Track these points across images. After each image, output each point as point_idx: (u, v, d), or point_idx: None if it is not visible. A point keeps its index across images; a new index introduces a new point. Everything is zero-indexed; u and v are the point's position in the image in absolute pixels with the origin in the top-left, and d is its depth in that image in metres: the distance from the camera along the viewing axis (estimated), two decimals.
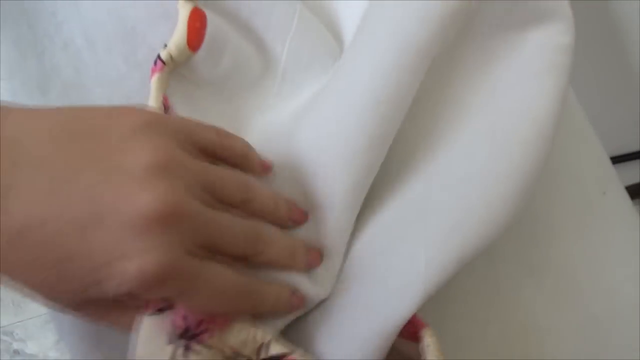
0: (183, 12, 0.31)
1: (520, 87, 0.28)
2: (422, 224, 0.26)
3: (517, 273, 0.31)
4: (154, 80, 0.30)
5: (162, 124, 0.23)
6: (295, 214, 0.27)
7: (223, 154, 0.26)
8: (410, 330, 0.25)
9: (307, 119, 0.30)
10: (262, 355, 0.24)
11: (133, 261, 0.20)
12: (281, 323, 0.26)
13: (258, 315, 0.25)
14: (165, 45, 0.30)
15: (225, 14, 0.32)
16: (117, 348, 0.24)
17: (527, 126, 0.27)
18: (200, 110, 0.32)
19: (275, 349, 0.24)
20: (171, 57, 0.30)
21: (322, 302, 0.27)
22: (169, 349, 0.22)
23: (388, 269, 0.25)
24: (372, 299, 0.25)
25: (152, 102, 0.29)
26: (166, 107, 0.30)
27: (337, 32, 0.35)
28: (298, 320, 0.27)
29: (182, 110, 0.30)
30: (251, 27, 0.33)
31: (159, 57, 0.30)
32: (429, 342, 0.24)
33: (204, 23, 0.31)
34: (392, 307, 0.24)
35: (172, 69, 0.31)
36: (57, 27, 0.32)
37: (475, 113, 0.29)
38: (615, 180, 0.37)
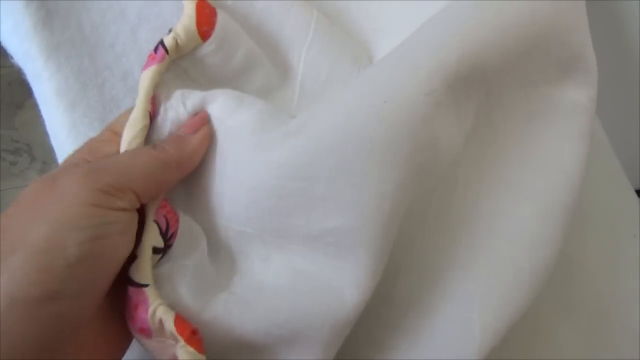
0: (189, 2, 0.27)
1: (555, 149, 0.28)
2: (472, 285, 0.26)
3: (554, 314, 0.33)
4: (151, 72, 0.25)
5: None
6: None
7: None
8: None
9: None
10: None
11: None
12: None
13: None
14: (170, 31, 0.26)
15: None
16: None
17: (565, 191, 0.28)
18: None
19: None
20: (177, 43, 0.25)
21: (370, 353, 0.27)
22: None
23: (439, 330, 0.26)
24: None
25: (142, 101, 0.25)
26: (153, 111, 0.25)
27: (362, 39, 0.33)
28: None
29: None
30: (262, 35, 0.30)
31: (161, 43, 0.25)
32: None
33: (213, 11, 0.27)
34: None
35: (172, 59, 0.26)
36: (116, 59, 0.33)
37: (516, 170, 0.29)
38: None
